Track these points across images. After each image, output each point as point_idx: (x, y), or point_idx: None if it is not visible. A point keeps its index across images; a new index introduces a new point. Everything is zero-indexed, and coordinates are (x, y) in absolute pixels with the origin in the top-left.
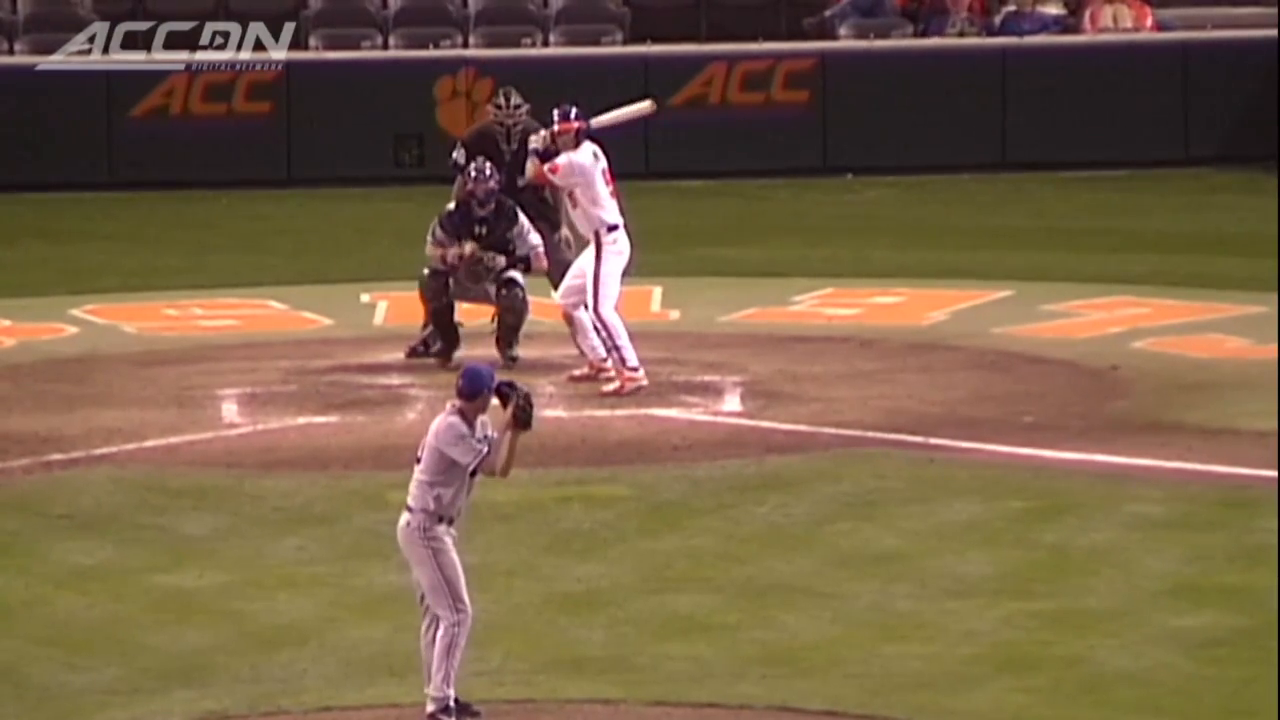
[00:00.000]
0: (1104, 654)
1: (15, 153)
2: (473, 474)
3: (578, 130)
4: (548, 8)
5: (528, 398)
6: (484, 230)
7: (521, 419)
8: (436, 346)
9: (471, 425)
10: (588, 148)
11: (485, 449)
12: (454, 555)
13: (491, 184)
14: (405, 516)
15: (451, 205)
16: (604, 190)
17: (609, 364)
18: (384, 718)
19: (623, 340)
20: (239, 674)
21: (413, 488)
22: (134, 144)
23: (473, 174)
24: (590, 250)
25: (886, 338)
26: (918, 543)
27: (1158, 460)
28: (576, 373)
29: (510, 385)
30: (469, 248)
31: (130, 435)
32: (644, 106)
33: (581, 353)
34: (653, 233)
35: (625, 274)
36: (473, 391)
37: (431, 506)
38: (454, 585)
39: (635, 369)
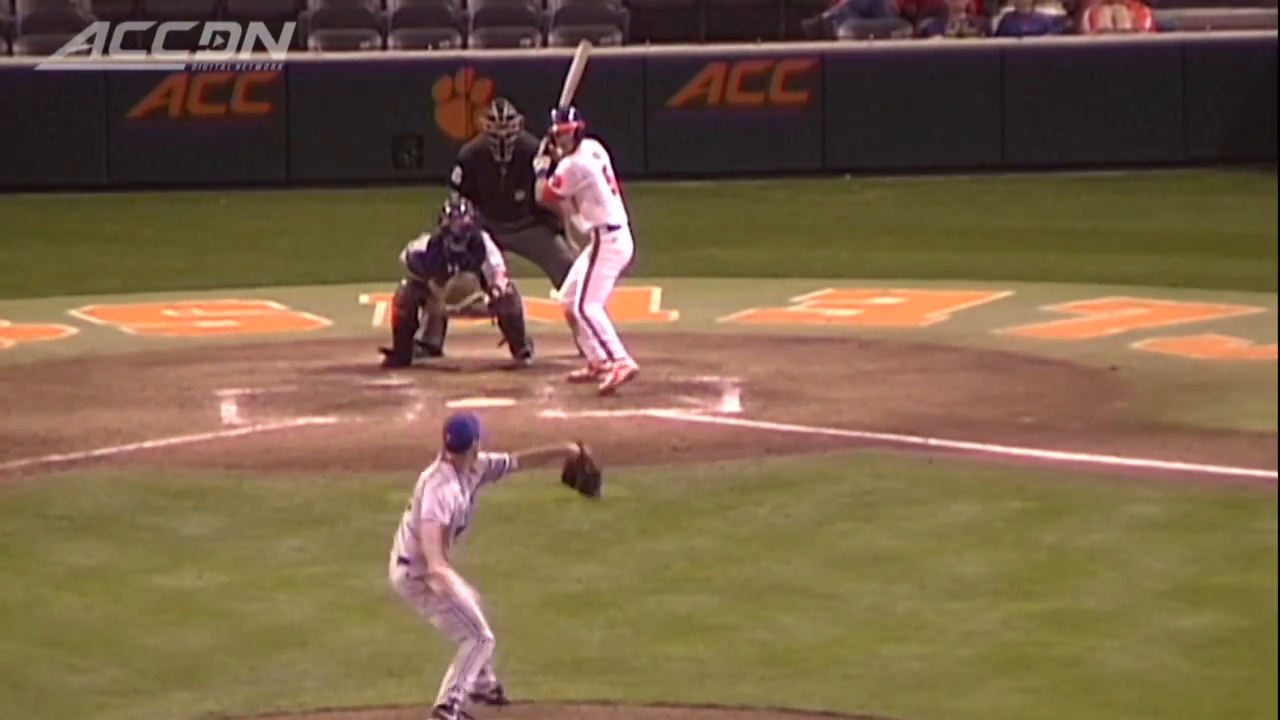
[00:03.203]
0: (1103, 655)
1: (15, 153)
2: (456, 531)
3: (576, 130)
4: (547, 8)
5: (592, 469)
6: (457, 268)
7: (589, 488)
8: (434, 343)
9: (461, 476)
10: (587, 147)
11: (481, 480)
12: (460, 587)
13: (467, 219)
14: (401, 569)
15: (422, 246)
16: (605, 189)
17: (609, 365)
18: (383, 718)
19: (608, 335)
20: (238, 675)
21: (400, 538)
22: (133, 144)
23: (448, 209)
24: (589, 248)
25: (885, 338)
26: (917, 543)
27: (1157, 461)
28: (576, 374)
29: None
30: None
31: (129, 436)
32: (580, 51)
33: (582, 353)
34: (651, 233)
35: (625, 274)
36: (461, 443)
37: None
38: (468, 612)
39: (622, 356)
